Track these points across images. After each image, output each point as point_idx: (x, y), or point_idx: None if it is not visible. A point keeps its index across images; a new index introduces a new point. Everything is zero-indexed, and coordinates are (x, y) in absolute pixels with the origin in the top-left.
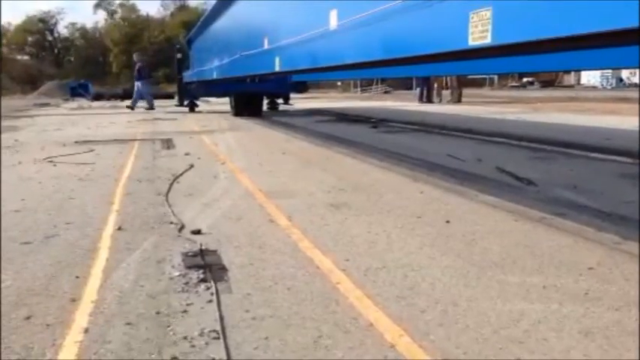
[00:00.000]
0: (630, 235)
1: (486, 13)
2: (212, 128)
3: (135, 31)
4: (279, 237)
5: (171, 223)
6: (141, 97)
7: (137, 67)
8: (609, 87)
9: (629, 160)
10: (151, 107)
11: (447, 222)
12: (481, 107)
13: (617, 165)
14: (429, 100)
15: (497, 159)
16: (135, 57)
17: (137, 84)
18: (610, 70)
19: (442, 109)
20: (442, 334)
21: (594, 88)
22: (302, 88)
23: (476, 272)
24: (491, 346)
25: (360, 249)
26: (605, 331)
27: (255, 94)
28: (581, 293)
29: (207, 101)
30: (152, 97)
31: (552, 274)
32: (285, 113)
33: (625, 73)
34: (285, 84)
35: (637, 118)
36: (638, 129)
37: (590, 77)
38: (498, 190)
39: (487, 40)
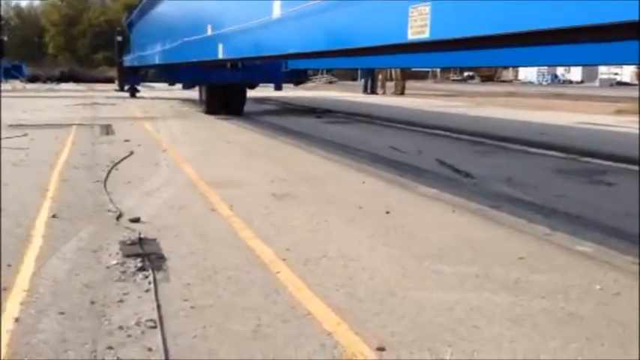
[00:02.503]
0: (559, 227)
1: (425, 9)
2: (154, 115)
3: (74, 12)
4: (221, 226)
5: (110, 211)
6: None
7: None
8: (545, 83)
9: (561, 154)
10: None
11: (387, 213)
12: (423, 100)
13: (551, 159)
14: (373, 92)
15: (437, 152)
16: None
17: None
18: (546, 67)
19: (386, 100)
20: (379, 322)
21: (531, 83)
22: (299, 77)
23: (414, 263)
24: (426, 333)
25: (301, 239)
26: (532, 318)
27: (236, 86)
28: (511, 282)
29: (151, 87)
30: None
31: (486, 265)
32: None
33: (560, 70)
34: (277, 73)
35: (569, 114)
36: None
37: (528, 73)
38: (438, 183)
39: (425, 35)
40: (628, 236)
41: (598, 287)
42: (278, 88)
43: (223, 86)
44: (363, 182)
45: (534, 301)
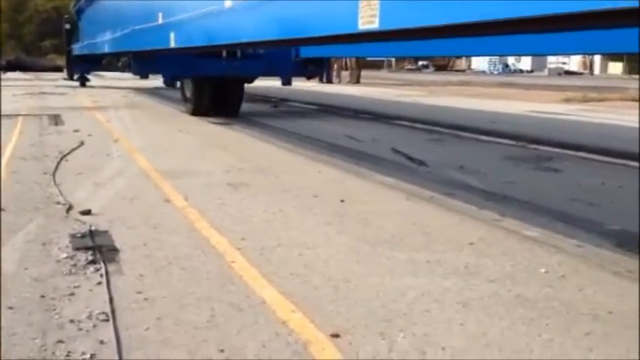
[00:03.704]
0: (509, 213)
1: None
2: (105, 104)
3: None
4: (175, 217)
5: (59, 203)
6: None
7: None
8: (496, 72)
9: (512, 142)
10: None
11: (342, 201)
12: (378, 89)
13: (502, 147)
14: (329, 81)
15: (393, 140)
16: None
17: None
18: (497, 57)
19: (341, 89)
20: (333, 309)
21: (483, 73)
22: (314, 68)
23: (368, 250)
24: (379, 318)
25: (256, 228)
26: (481, 301)
27: (232, 80)
28: (462, 267)
29: (101, 76)
30: None
31: (438, 250)
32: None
33: (511, 60)
34: (286, 63)
35: (520, 103)
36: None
37: (480, 63)
38: (393, 171)
39: (375, 25)
40: (573, 220)
41: (544, 270)
42: (287, 82)
43: (215, 80)
44: (319, 171)
45: (483, 285)
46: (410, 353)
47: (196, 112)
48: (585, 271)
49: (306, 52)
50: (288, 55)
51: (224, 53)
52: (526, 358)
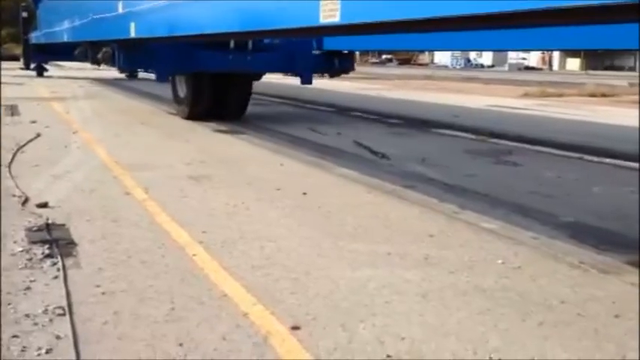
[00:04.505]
0: (468, 205)
1: None
2: (64, 95)
3: None
4: (136, 210)
5: (15, 196)
6: None
7: None
8: (459, 67)
9: (472, 136)
10: None
11: (305, 194)
12: (341, 82)
13: (463, 141)
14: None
15: (356, 133)
16: None
17: None
18: (459, 52)
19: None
20: (294, 301)
21: (446, 67)
22: (341, 63)
23: (330, 242)
24: (340, 310)
25: (218, 221)
26: (440, 292)
27: (238, 76)
28: (422, 259)
29: (60, 65)
30: None
31: (398, 242)
32: (152, 82)
33: (472, 55)
34: (304, 57)
35: (480, 97)
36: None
37: (442, 57)
38: (355, 164)
39: (336, 19)
40: (530, 212)
41: (500, 261)
42: (307, 81)
43: (217, 77)
44: (281, 164)
45: (442, 277)
46: (370, 344)
47: (193, 115)
48: (540, 262)
49: (331, 43)
50: (309, 47)
51: (232, 44)
52: (482, 347)
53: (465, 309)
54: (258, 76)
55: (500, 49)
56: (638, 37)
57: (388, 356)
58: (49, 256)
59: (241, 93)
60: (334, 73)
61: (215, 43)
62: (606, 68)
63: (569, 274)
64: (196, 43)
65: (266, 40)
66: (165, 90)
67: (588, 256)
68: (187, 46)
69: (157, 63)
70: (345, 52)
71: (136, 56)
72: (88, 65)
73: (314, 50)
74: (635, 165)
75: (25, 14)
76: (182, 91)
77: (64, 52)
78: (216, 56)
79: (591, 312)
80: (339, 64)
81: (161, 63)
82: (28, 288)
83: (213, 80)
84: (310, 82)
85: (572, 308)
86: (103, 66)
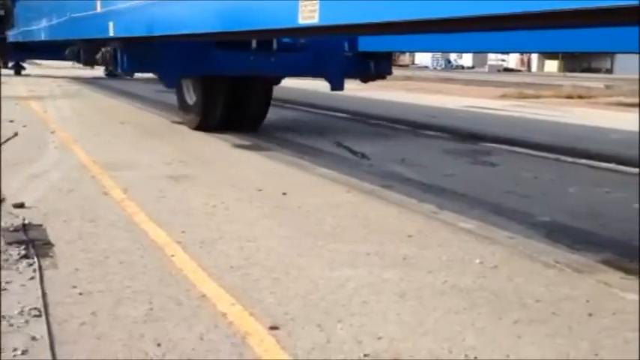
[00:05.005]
0: (446, 205)
1: None
2: (42, 94)
3: None
4: (114, 210)
5: None
6: None
7: None
8: (439, 68)
9: (451, 136)
10: None
11: (284, 194)
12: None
13: (441, 141)
14: None
15: (337, 133)
16: None
17: None
18: (440, 53)
19: (287, 82)
20: (273, 301)
21: (426, 68)
22: (377, 68)
23: (309, 242)
24: (318, 310)
25: (197, 221)
26: (418, 292)
27: (256, 81)
28: (400, 259)
29: (38, 64)
30: None
31: (377, 242)
32: (131, 81)
33: (453, 56)
34: (335, 59)
35: (460, 98)
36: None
37: (423, 58)
38: (336, 164)
39: (315, 20)
40: (507, 212)
41: (478, 261)
42: (337, 87)
43: (234, 81)
44: (262, 164)
45: (420, 276)
46: (347, 343)
47: (204, 125)
48: (516, 262)
49: (367, 44)
50: (339, 49)
51: (254, 43)
52: (458, 345)
53: (443, 308)
54: (278, 80)
55: (480, 51)
56: (615, 40)
57: (365, 355)
58: (25, 256)
59: (261, 100)
60: (369, 78)
61: (234, 42)
62: (583, 70)
63: (544, 273)
64: (211, 43)
65: (291, 40)
66: (146, 89)
67: (563, 255)
68: (202, 45)
69: (164, 65)
70: (383, 53)
71: (140, 58)
72: (66, 64)
73: (346, 51)
74: (609, 166)
75: (1, 12)
76: (191, 98)
77: (43, 50)
78: (236, 57)
79: (565, 310)
80: (374, 68)
81: (169, 65)
82: (4, 289)
83: (227, 86)
84: (342, 88)
85: (546, 307)
86: (95, 67)
